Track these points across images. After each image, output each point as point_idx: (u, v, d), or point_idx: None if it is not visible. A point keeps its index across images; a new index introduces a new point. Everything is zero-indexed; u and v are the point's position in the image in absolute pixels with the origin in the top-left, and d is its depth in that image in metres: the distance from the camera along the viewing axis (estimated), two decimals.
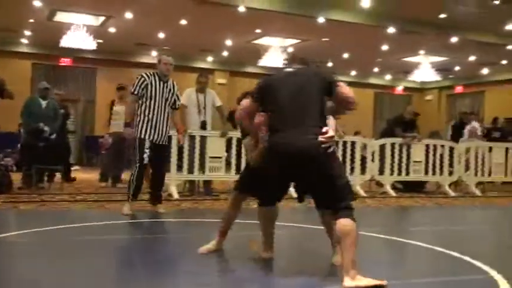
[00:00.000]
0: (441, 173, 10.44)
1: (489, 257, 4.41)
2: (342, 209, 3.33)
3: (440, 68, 17.83)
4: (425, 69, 17.22)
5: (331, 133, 3.41)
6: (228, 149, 8.86)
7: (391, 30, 13.18)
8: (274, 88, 3.61)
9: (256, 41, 15.49)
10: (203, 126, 8.45)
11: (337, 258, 3.83)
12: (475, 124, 11.78)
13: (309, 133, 3.40)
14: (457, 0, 11.28)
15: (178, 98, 6.48)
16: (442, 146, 10.62)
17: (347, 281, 3.20)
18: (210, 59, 18.93)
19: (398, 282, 3.59)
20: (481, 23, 12.95)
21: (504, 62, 17.49)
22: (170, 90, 6.28)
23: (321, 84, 3.57)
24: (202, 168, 8.53)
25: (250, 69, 19.04)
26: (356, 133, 13.75)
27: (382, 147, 10.03)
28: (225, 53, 17.73)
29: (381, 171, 9.98)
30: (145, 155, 6.02)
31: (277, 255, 4.09)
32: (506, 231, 6.53)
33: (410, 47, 15.50)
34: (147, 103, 6.09)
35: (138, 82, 6.14)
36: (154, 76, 6.20)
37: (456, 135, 12.23)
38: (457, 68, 19.15)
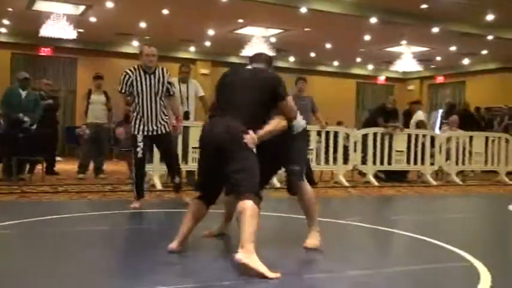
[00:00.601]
0: (423, 162, 10.53)
1: (470, 245, 4.46)
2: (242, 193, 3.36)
3: (422, 58, 17.94)
4: (407, 59, 17.30)
5: (253, 139, 3.54)
6: None
7: (373, 20, 13.21)
8: (225, 83, 3.85)
9: (238, 31, 15.43)
10: (186, 116, 8.41)
11: (309, 241, 4.10)
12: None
13: (232, 123, 3.53)
14: None
15: (171, 85, 6.26)
16: (424, 135, 10.71)
17: (240, 254, 3.16)
18: (192, 49, 18.83)
19: (380, 271, 3.62)
20: (461, 14, 13.04)
21: (484, 52, 17.65)
22: (159, 80, 6.01)
23: (267, 91, 3.72)
24: (185, 158, 8.50)
25: (233, 60, 18.97)
26: (339, 123, 13.79)
27: (365, 137, 10.08)
28: (208, 43, 17.64)
29: (364, 161, 10.05)
30: (138, 149, 5.96)
31: (260, 244, 4.10)
32: (487, 220, 6.62)
33: (392, 37, 15.55)
34: (136, 100, 5.94)
35: (123, 80, 5.93)
36: (138, 70, 5.96)
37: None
38: (438, 58, 19.29)
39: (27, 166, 9.06)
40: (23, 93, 8.90)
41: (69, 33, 13.24)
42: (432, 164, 10.70)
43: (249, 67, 3.99)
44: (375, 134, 10.14)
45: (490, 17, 13.01)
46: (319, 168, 9.82)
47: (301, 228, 4.41)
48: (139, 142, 5.95)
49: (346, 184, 9.47)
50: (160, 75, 6.05)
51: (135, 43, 17.20)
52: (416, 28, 14.13)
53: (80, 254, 3.81)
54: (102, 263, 3.62)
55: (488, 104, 16.44)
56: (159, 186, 8.06)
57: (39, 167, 9.09)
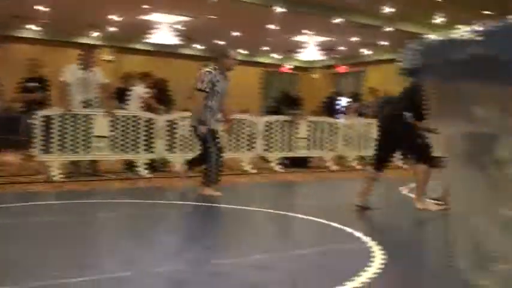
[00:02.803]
0: (323, 148, 10.91)
1: (366, 227, 4.73)
2: None
3: (324, 48, 18.51)
4: (310, 48, 17.79)
5: None
6: (114, 128, 8.63)
7: (278, 9, 13.43)
8: None
9: (144, 17, 15.13)
10: (87, 104, 8.17)
11: None
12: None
13: None
14: None
15: None
16: (326, 122, 11.07)
17: None
18: (95, 34, 18.22)
19: (283, 254, 3.76)
20: (362, 6, 13.58)
21: (383, 42, 18.50)
22: (228, 81, 6.63)
23: None
24: (87, 147, 8.25)
25: (138, 46, 18.59)
26: (244, 111, 13.94)
27: (269, 125, 10.28)
28: (112, 29, 17.15)
29: (268, 148, 10.25)
30: (218, 140, 6.49)
31: (168, 233, 4.10)
32: (383, 203, 6.99)
33: (296, 26, 15.91)
34: (212, 97, 6.35)
35: (207, 78, 6.30)
36: (216, 71, 6.41)
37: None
38: (340, 48, 19.97)
39: None
40: None
41: None
42: (332, 150, 11.09)
43: None
44: (279, 122, 10.36)
45: (388, 10, 13.63)
46: (225, 156, 9.87)
47: (208, 217, 4.45)
48: (217, 134, 6.46)
49: (252, 171, 9.62)
50: (228, 77, 6.60)
51: (34, 27, 16.37)
52: (319, 18, 14.55)
53: None
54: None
55: (388, 93, 17.23)
56: (59, 176, 7.79)
57: None
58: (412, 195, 6.31)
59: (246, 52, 21.22)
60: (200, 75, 6.38)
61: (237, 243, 4.09)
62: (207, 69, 6.40)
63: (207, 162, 6.40)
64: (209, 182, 6.40)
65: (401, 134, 5.64)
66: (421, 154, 5.69)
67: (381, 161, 5.77)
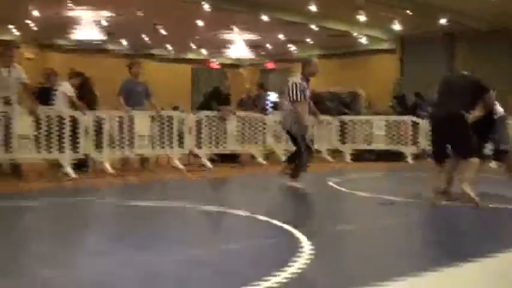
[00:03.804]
0: (255, 143, 11.01)
1: (295, 220, 4.83)
2: None
3: (253, 45, 18.65)
4: (239, 45, 17.88)
5: None
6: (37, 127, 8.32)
7: (206, 6, 13.40)
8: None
9: (67, 14, 14.67)
10: (7, 102, 7.85)
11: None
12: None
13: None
14: None
15: None
16: (255, 118, 11.17)
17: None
18: (16, 31, 17.46)
19: (214, 249, 3.77)
20: (287, 3, 13.78)
21: (309, 40, 18.86)
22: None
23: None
24: (8, 147, 7.90)
25: (62, 42, 18.01)
26: (174, 108, 13.83)
27: (199, 121, 10.26)
28: (33, 26, 16.49)
29: (199, 144, 10.22)
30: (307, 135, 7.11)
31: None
32: (308, 196, 7.15)
33: (224, 24, 15.94)
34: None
35: (299, 89, 6.87)
36: (303, 79, 7.02)
37: None
38: (268, 46, 20.17)
39: None
40: None
41: None
42: (262, 145, 11.21)
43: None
44: (209, 118, 10.36)
45: (313, 8, 13.88)
46: (155, 153, 9.78)
47: (136, 215, 4.39)
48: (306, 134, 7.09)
49: (182, 167, 9.57)
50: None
51: None
52: (247, 15, 14.64)
53: None
54: None
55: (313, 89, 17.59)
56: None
57: None
58: (339, 187, 6.50)
59: (174, 48, 21.03)
60: (292, 87, 6.92)
61: (165, 240, 4.07)
62: (297, 81, 6.96)
63: (299, 158, 7.04)
64: (298, 175, 7.02)
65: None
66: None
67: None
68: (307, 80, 7.09)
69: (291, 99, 6.91)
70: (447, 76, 6.68)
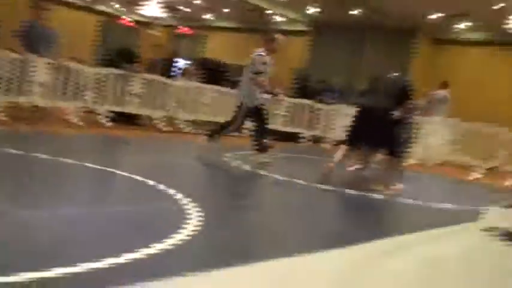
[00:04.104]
0: (155, 108, 10.81)
1: (187, 188, 4.83)
2: None
3: (167, 6, 18.20)
4: (154, 4, 17.37)
5: None
6: None
7: None
8: None
9: None
10: None
11: None
12: None
13: None
14: None
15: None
16: (160, 82, 10.95)
17: None
18: None
19: (97, 210, 3.70)
20: None
21: (225, 10, 18.71)
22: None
23: None
24: None
25: None
26: (74, 59, 13.18)
27: (102, 77, 9.90)
28: None
29: (97, 101, 9.86)
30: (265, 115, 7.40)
31: None
32: (204, 168, 7.19)
33: None
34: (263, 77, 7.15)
35: (261, 61, 7.06)
36: (266, 52, 7.17)
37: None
38: (184, 9, 19.77)
39: None
40: None
41: None
42: (164, 110, 11.04)
43: None
44: (111, 75, 10.01)
45: None
46: (51, 103, 9.32)
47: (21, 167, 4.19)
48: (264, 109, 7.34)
49: (78, 123, 9.23)
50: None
51: None
52: None
53: None
54: None
55: (226, 60, 17.50)
56: None
57: None
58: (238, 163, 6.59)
59: None
60: (255, 58, 7.10)
61: (47, 196, 3.93)
62: (259, 53, 7.13)
63: (257, 132, 7.26)
64: (262, 149, 7.16)
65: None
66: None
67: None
68: (269, 56, 7.23)
69: (254, 71, 7.07)
70: (382, 75, 7.35)
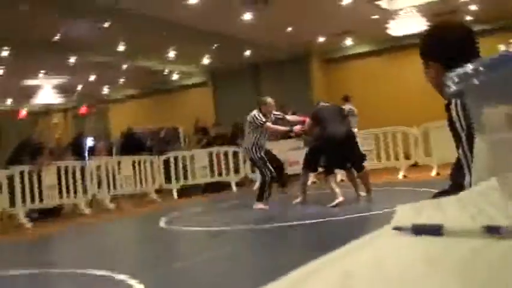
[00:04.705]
0: (76, 193, 10.43)
1: (127, 267, 4.67)
2: None
3: (63, 89, 17.86)
4: (47, 91, 17.02)
5: None
6: None
7: (4, 53, 12.55)
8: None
9: None
10: None
11: None
12: None
13: None
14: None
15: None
16: (75, 165, 10.63)
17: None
18: None
19: None
20: (95, 44, 13.47)
21: (122, 80, 18.63)
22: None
23: None
24: None
25: None
26: None
27: (11, 177, 9.45)
28: None
29: (13, 203, 9.38)
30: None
31: None
32: (140, 240, 7.00)
33: (29, 69, 15.05)
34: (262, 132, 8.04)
35: (260, 116, 7.90)
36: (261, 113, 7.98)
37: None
38: (79, 88, 19.45)
39: None
40: None
41: None
42: (85, 193, 10.69)
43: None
44: (21, 172, 9.59)
45: (120, 48, 13.75)
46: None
47: None
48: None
49: None
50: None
51: None
52: (53, 59, 14.02)
53: None
54: None
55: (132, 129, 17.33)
56: None
57: None
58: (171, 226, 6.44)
59: None
60: (254, 117, 7.90)
61: None
62: (256, 113, 7.93)
63: (262, 181, 7.96)
64: (261, 198, 7.78)
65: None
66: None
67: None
68: (266, 117, 7.94)
69: (258, 123, 7.84)
70: (324, 105, 8.03)
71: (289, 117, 8.82)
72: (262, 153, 7.93)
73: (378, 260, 0.71)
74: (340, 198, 7.14)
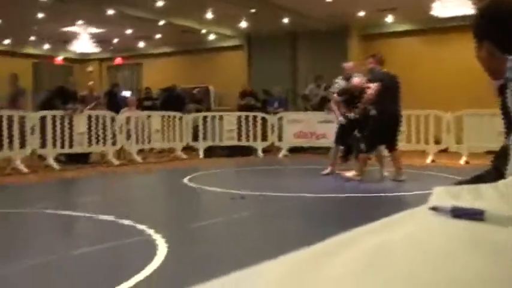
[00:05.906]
0: (104, 142, 10.61)
1: (150, 219, 4.76)
2: None
3: (99, 40, 17.97)
4: (84, 40, 17.14)
5: None
6: None
7: None
8: None
9: None
10: None
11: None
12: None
13: None
14: None
15: None
16: (104, 116, 10.78)
17: None
18: None
19: (65, 254, 3.61)
20: None
21: (158, 36, 18.63)
22: None
23: None
24: None
25: None
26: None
27: (43, 120, 9.66)
28: None
29: (43, 145, 9.62)
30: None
31: None
32: (163, 195, 7.12)
33: (67, 16, 15.15)
34: None
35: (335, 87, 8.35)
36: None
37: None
38: (115, 41, 19.57)
39: None
40: None
41: None
42: (114, 144, 10.87)
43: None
44: (53, 117, 9.79)
45: (159, 3, 13.71)
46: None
47: None
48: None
49: (25, 170, 8.95)
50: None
51: None
52: (91, 9, 14.07)
53: None
54: None
55: (163, 85, 17.42)
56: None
57: None
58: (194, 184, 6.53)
59: (12, 42, 19.54)
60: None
61: (12, 248, 3.80)
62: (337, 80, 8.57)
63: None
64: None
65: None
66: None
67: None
68: (347, 80, 8.14)
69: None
70: (385, 72, 7.60)
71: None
72: None
73: (415, 236, 0.71)
74: (350, 174, 7.28)
